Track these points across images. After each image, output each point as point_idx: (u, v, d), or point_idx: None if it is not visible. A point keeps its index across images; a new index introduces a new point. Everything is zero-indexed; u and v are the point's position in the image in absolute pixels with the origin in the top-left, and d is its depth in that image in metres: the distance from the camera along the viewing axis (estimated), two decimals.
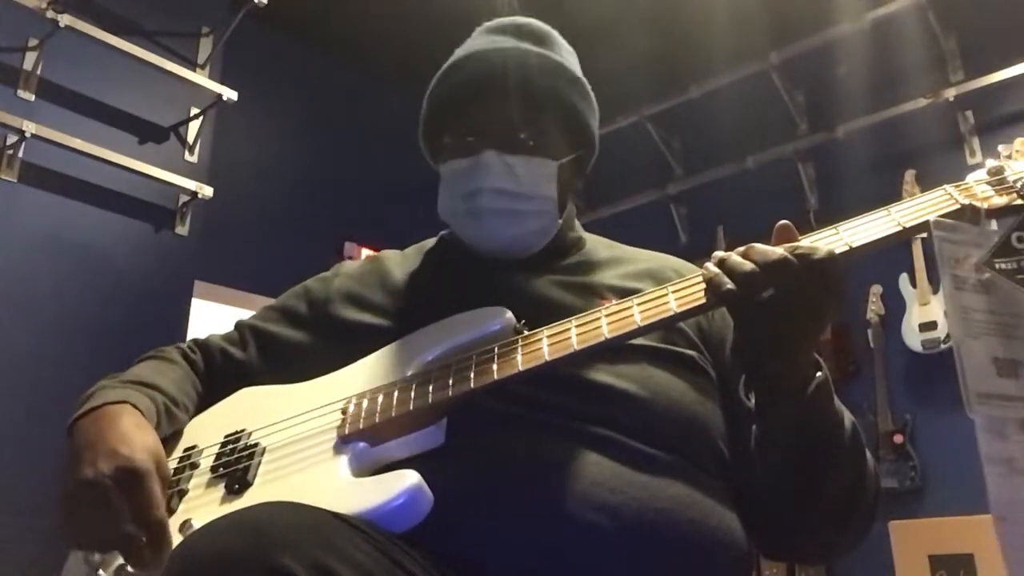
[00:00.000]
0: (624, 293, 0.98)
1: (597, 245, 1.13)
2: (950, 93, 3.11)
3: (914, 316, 3.07)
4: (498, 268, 1.05)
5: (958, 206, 0.84)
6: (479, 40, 1.12)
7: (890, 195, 3.44)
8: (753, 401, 0.90)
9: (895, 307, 3.14)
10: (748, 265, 0.80)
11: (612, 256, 1.11)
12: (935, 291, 3.04)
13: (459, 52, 1.11)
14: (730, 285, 0.79)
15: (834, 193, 3.44)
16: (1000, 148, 0.89)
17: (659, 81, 3.65)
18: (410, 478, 0.76)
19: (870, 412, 3.05)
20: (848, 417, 0.90)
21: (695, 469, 0.89)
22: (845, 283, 0.80)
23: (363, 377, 0.94)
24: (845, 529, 0.93)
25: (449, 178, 1.07)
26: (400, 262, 1.12)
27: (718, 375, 1.00)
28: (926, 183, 3.10)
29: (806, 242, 0.83)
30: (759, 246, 0.82)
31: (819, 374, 0.85)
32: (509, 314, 0.92)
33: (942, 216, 0.82)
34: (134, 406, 0.91)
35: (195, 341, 1.14)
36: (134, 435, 0.85)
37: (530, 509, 0.80)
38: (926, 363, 3.05)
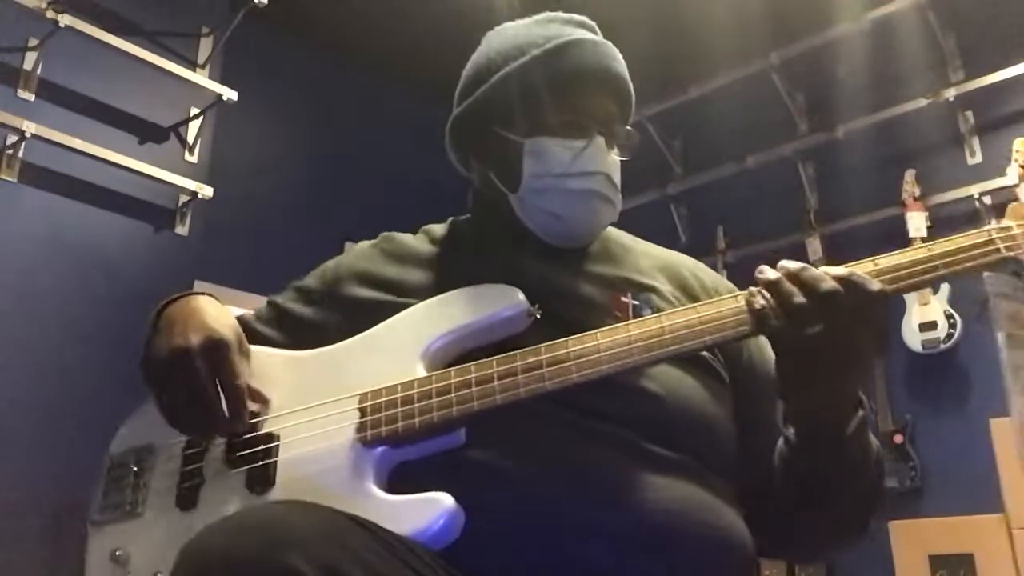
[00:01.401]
0: (640, 287, 1.00)
1: (609, 233, 1.13)
2: (950, 93, 3.11)
3: (914, 316, 3.07)
4: (517, 253, 1.04)
5: (1000, 257, 0.80)
6: (566, 28, 1.09)
7: (890, 195, 3.45)
8: (791, 431, 0.91)
9: (895, 307, 3.13)
10: (799, 298, 0.77)
11: (624, 247, 1.11)
12: (935, 291, 3.04)
13: (545, 34, 1.07)
14: (777, 321, 0.78)
15: (834, 193, 3.44)
16: None
17: (659, 81, 3.64)
18: (445, 501, 0.78)
19: (870, 412, 3.05)
20: (874, 445, 0.91)
21: (705, 470, 0.89)
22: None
23: (374, 354, 0.93)
24: (851, 539, 0.96)
25: (551, 152, 1.03)
26: (414, 243, 1.11)
27: (731, 378, 0.99)
28: (926, 183, 3.11)
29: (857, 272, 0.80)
30: (812, 272, 0.79)
31: (860, 412, 0.86)
32: (522, 296, 0.91)
33: (984, 265, 0.80)
34: (215, 297, 1.02)
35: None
36: (218, 315, 0.96)
37: (539, 508, 0.81)
38: (926, 363, 3.05)
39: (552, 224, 1.04)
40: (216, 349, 0.90)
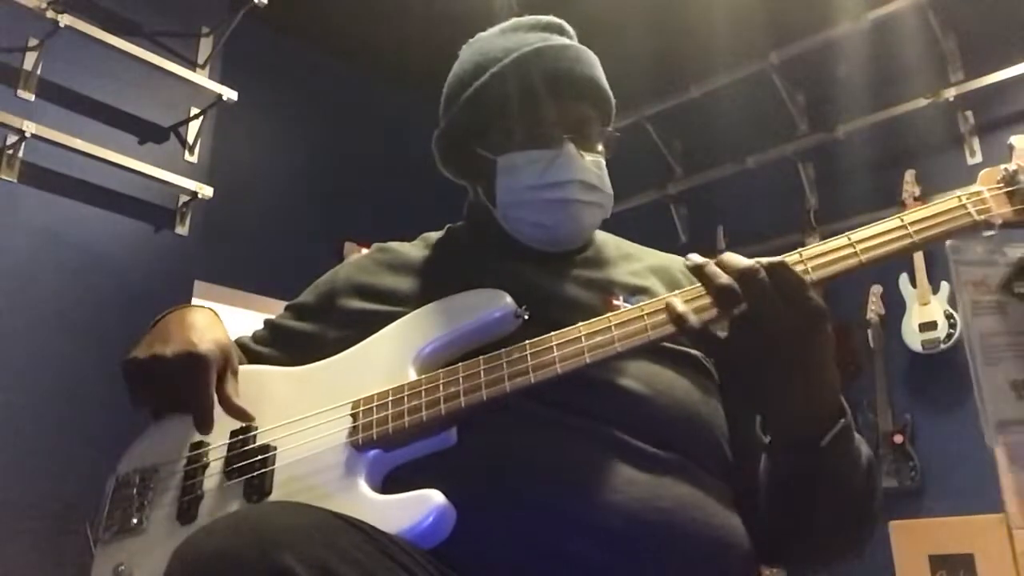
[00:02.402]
0: (632, 289, 1.00)
1: (606, 240, 1.13)
2: (950, 93, 3.11)
3: (914, 316, 3.07)
4: (512, 258, 1.05)
5: (972, 220, 0.80)
6: (529, 36, 1.09)
7: (890, 195, 3.45)
8: (768, 440, 0.89)
9: (895, 307, 3.14)
10: (721, 279, 0.79)
11: (620, 253, 1.11)
12: (935, 291, 3.04)
13: (506, 45, 1.07)
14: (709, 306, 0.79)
15: (834, 193, 3.44)
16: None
17: (659, 81, 3.64)
18: (435, 498, 0.78)
19: (870, 412, 3.05)
20: (864, 456, 0.88)
21: (698, 469, 0.89)
22: (812, 304, 0.78)
23: (366, 365, 0.94)
24: (844, 552, 0.94)
25: (522, 166, 1.04)
26: (410, 251, 1.12)
27: (719, 377, 0.99)
28: (926, 183, 3.11)
29: (816, 249, 0.82)
30: (731, 255, 0.81)
31: (842, 421, 0.83)
32: (509, 299, 0.92)
33: (956, 229, 0.80)
34: (215, 313, 1.02)
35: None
36: (206, 332, 0.95)
37: (531, 507, 0.81)
38: (926, 363, 3.05)
39: (537, 232, 1.06)
40: (192, 364, 0.91)
